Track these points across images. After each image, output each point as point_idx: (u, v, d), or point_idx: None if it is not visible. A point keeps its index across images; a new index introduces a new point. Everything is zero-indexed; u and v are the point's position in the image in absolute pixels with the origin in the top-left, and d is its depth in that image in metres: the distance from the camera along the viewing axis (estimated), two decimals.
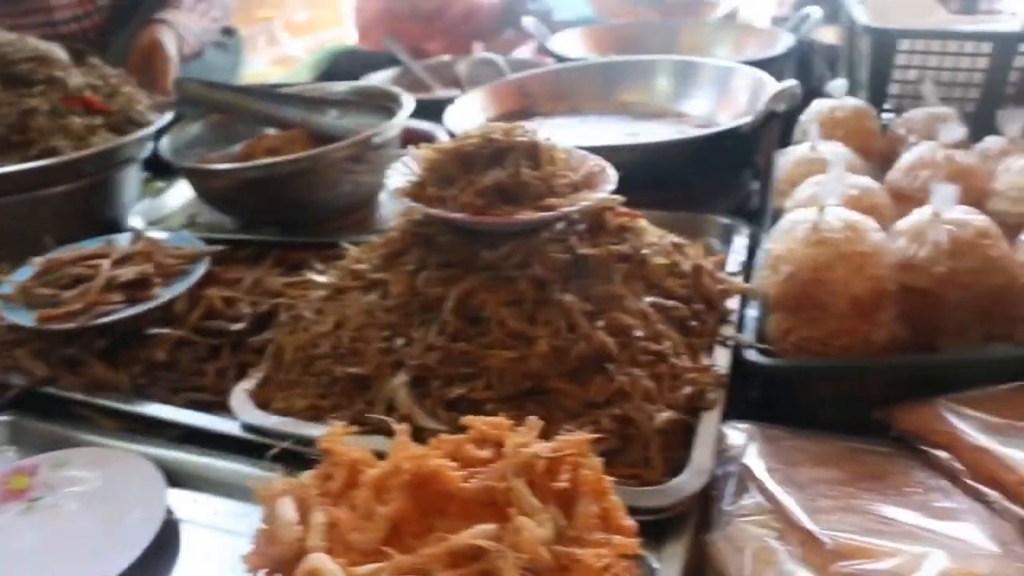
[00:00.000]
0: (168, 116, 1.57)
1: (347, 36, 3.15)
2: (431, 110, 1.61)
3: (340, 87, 1.60)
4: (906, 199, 1.15)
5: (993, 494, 0.77)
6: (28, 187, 1.38)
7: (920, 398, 0.91)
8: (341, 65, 2.46)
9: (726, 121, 1.49)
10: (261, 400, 1.00)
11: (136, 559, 0.83)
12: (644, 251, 1.01)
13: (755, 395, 1.02)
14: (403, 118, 1.43)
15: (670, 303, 0.99)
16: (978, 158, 1.24)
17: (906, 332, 1.00)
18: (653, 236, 1.06)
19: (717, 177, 1.42)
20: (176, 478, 0.95)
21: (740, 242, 1.22)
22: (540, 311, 0.92)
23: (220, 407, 1.01)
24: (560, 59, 1.96)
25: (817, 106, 1.40)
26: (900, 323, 1.00)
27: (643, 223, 1.07)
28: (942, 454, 0.84)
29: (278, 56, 3.39)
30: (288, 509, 0.69)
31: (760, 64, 1.73)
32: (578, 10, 2.61)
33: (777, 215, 1.12)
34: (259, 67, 3.13)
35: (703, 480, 0.81)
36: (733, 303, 1.07)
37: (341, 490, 0.71)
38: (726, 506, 0.80)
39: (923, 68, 1.45)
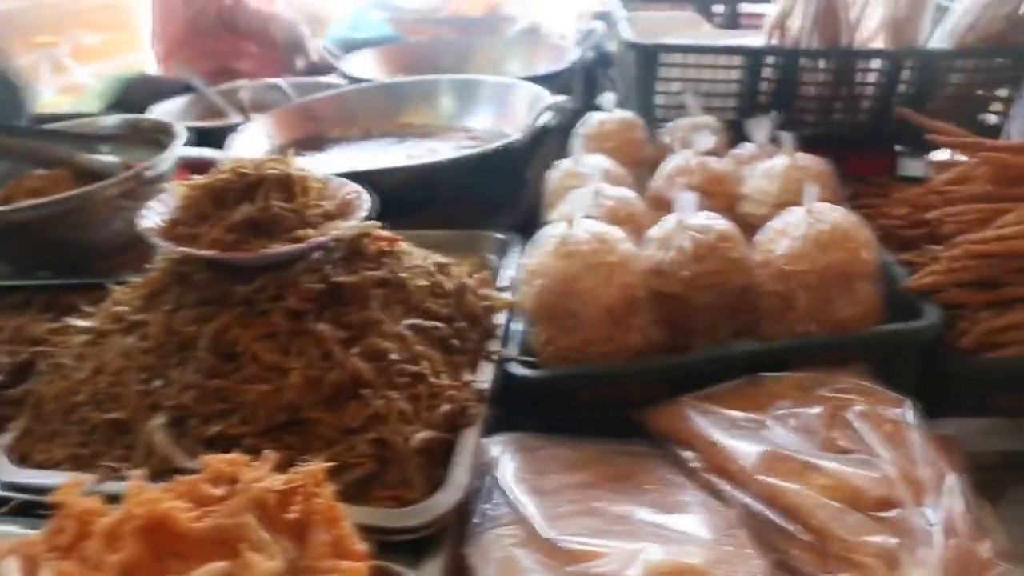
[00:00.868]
0: None
1: (148, 61, 3.07)
2: (224, 137, 1.60)
3: (111, 121, 1.57)
4: (667, 206, 1.23)
5: (722, 484, 0.84)
6: None
7: (676, 397, 0.98)
8: (133, 92, 2.40)
9: (511, 135, 1.55)
10: (20, 454, 0.98)
11: None
12: (403, 275, 1.04)
13: (524, 406, 1.07)
14: (176, 150, 1.42)
15: (430, 324, 1.02)
16: (732, 164, 1.33)
17: (661, 335, 1.07)
18: (416, 258, 1.10)
19: (496, 193, 1.47)
20: None
21: (513, 257, 1.26)
22: (294, 342, 0.94)
23: None
24: (353, 81, 1.99)
25: (587, 119, 1.46)
26: (655, 327, 1.06)
27: (404, 246, 1.10)
28: (682, 450, 0.90)
29: (67, 84, 3.26)
30: (12, 570, 0.68)
31: (546, 79, 1.80)
32: (379, 29, 2.63)
33: None
34: (46, 96, 3.01)
35: (459, 496, 0.84)
36: (501, 318, 1.11)
37: (71, 543, 0.70)
38: (478, 518, 0.84)
39: (685, 80, 1.54)
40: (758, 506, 0.79)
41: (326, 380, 0.91)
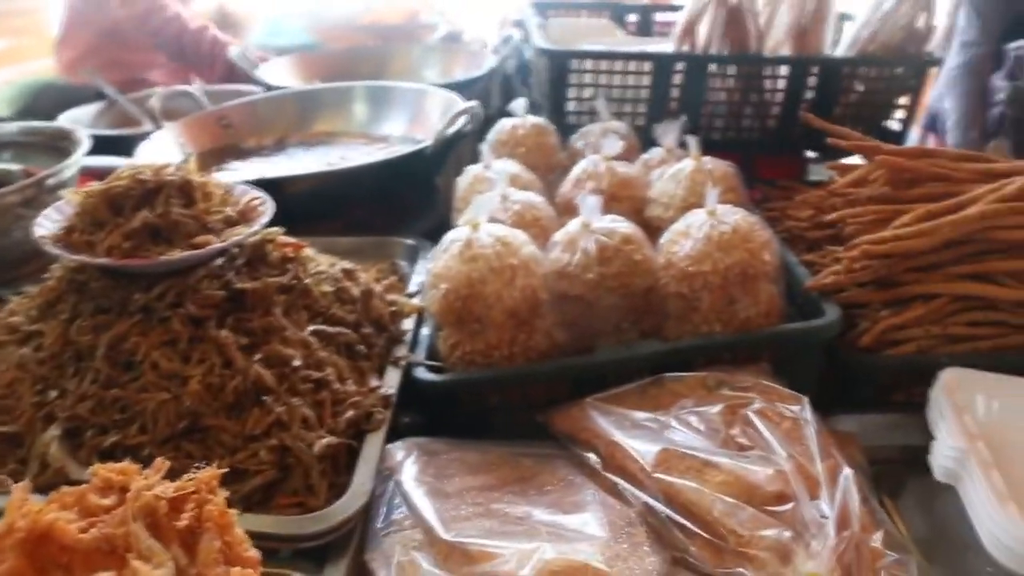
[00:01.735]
0: None
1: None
2: (136, 146, 1.57)
3: (11, 127, 1.53)
4: (575, 211, 1.24)
5: (622, 483, 0.85)
6: None
7: (581, 398, 0.98)
8: (42, 99, 2.35)
9: (423, 141, 1.55)
10: None
11: None
12: (308, 281, 1.03)
13: (432, 411, 1.07)
14: (79, 158, 1.39)
15: (335, 330, 1.01)
16: (641, 168, 1.35)
17: (566, 337, 1.08)
18: (321, 264, 1.09)
19: (407, 199, 1.47)
20: None
21: (424, 264, 1.26)
22: (195, 349, 0.92)
23: None
24: (269, 88, 1.97)
25: (500, 125, 1.47)
26: (560, 329, 1.07)
27: (309, 252, 1.09)
28: (584, 451, 0.91)
29: None
30: None
31: (463, 86, 1.81)
32: (299, 37, 2.61)
33: None
34: None
35: (362, 501, 0.84)
36: (409, 323, 1.11)
37: None
38: (379, 523, 0.83)
39: (596, 86, 1.56)
40: (657, 504, 0.80)
41: (227, 387, 0.90)
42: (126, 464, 0.72)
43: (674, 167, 1.25)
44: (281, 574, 0.79)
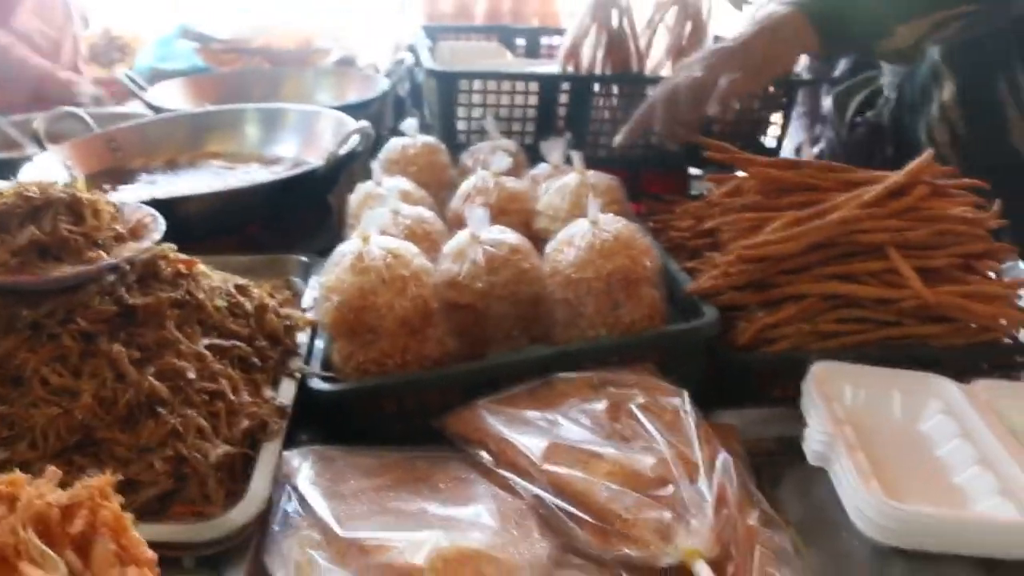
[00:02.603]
0: None
1: None
2: (18, 169, 1.54)
3: None
4: (465, 224, 1.27)
5: (513, 477, 0.88)
6: None
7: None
8: None
9: (315, 162, 1.57)
10: None
11: None
12: (201, 296, 1.04)
13: (329, 421, 1.09)
14: None
15: (229, 343, 1.02)
16: (529, 183, 1.40)
17: (458, 345, 1.11)
18: (215, 280, 1.10)
19: (300, 219, 1.48)
20: None
21: (317, 279, 1.28)
22: (86, 364, 0.93)
23: None
24: (158, 111, 1.96)
25: (391, 144, 1.50)
26: (452, 337, 1.10)
27: (202, 268, 1.10)
28: (477, 450, 0.94)
29: None
30: None
31: (355, 108, 1.83)
32: (188, 60, 2.59)
33: None
34: None
35: (258, 508, 0.85)
36: (304, 337, 1.13)
37: None
38: (277, 527, 0.85)
39: (485, 106, 1.60)
40: (547, 495, 0.84)
41: (120, 400, 0.91)
42: (14, 475, 0.73)
43: (560, 180, 1.29)
44: None
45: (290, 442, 1.02)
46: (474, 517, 0.81)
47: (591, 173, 1.29)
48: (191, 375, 0.96)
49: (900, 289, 1.14)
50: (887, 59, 1.45)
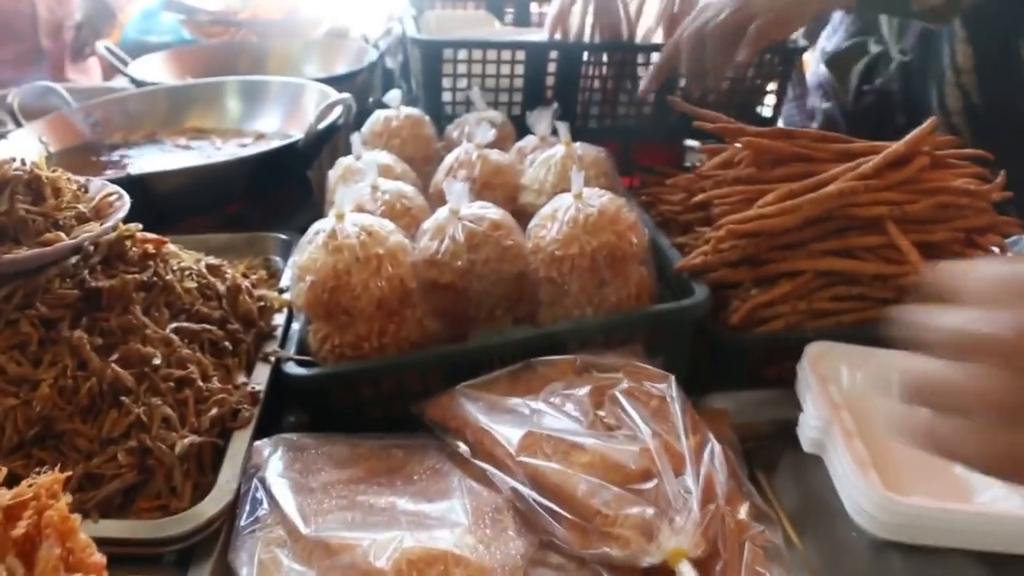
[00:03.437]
0: None
1: None
2: None
3: None
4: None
5: (490, 469, 0.84)
6: None
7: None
8: None
9: (297, 135, 1.52)
10: None
11: None
12: (169, 277, 1.00)
13: (305, 407, 1.05)
14: None
15: (199, 327, 0.98)
16: (515, 156, 1.35)
17: (438, 327, 1.06)
18: (185, 261, 1.06)
19: (280, 195, 1.44)
20: None
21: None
22: (46, 352, 0.88)
23: None
24: (140, 85, 1.90)
25: (374, 117, 1.45)
26: (432, 319, 1.06)
27: (172, 248, 1.05)
28: (454, 439, 0.90)
29: None
30: None
31: (342, 80, 1.78)
32: (173, 33, 2.54)
33: None
34: None
35: (226, 500, 0.82)
36: (280, 319, 1.09)
37: None
38: (243, 522, 0.81)
39: (471, 76, 1.55)
40: (523, 488, 0.80)
41: (81, 389, 0.87)
42: None
43: (545, 153, 1.24)
44: None
45: (276, 425, 0.98)
46: (446, 513, 0.76)
47: (578, 145, 1.24)
48: (157, 361, 0.91)
49: (900, 265, 1.09)
50: (922, 18, 1.38)
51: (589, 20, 1.55)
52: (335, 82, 1.70)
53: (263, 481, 0.83)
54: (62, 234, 0.93)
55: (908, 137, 1.15)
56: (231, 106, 1.70)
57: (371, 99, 1.86)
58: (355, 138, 1.29)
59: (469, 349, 1.03)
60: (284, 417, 1.02)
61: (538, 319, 1.08)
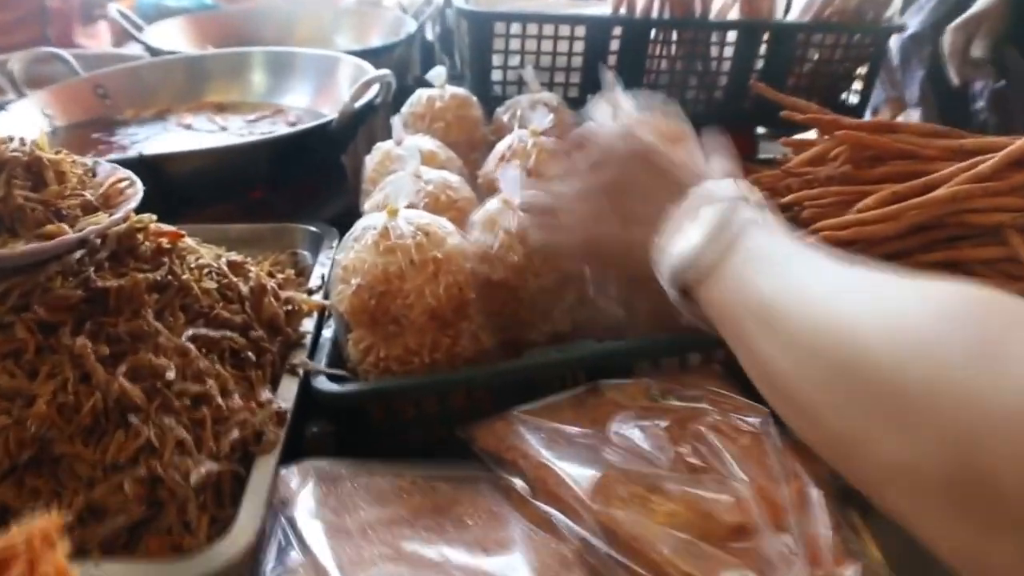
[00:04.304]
0: None
1: None
2: None
3: None
4: (498, 190, 1.15)
5: (555, 514, 0.76)
6: None
7: (507, 409, 0.90)
8: None
9: (329, 114, 1.45)
10: None
11: None
12: (186, 276, 0.93)
13: (338, 427, 0.97)
14: None
15: (218, 334, 0.91)
16: None
17: (493, 340, 0.99)
18: (204, 257, 0.98)
19: (310, 181, 1.37)
20: None
21: (329, 254, 1.16)
22: (44, 362, 0.81)
23: None
24: (156, 54, 1.84)
25: (416, 96, 1.38)
26: (488, 332, 0.98)
27: (189, 243, 0.98)
28: (510, 475, 0.82)
29: None
30: None
31: (378, 53, 1.71)
32: None
33: None
34: None
35: (247, 541, 0.74)
36: (309, 325, 1.01)
37: None
38: (269, 567, 0.74)
39: (524, 53, 1.47)
40: (596, 540, 0.72)
41: (84, 407, 0.79)
42: None
43: None
44: None
45: (298, 437, 0.91)
46: (508, 571, 0.69)
47: None
48: (171, 375, 0.84)
49: (1021, 281, 1.00)
50: None
51: None
52: (370, 55, 1.63)
53: (292, 522, 0.76)
54: (65, 225, 0.86)
55: None
56: (256, 80, 1.63)
57: (410, 76, 1.79)
58: (396, 120, 1.22)
59: (524, 366, 0.95)
60: (307, 427, 0.95)
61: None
